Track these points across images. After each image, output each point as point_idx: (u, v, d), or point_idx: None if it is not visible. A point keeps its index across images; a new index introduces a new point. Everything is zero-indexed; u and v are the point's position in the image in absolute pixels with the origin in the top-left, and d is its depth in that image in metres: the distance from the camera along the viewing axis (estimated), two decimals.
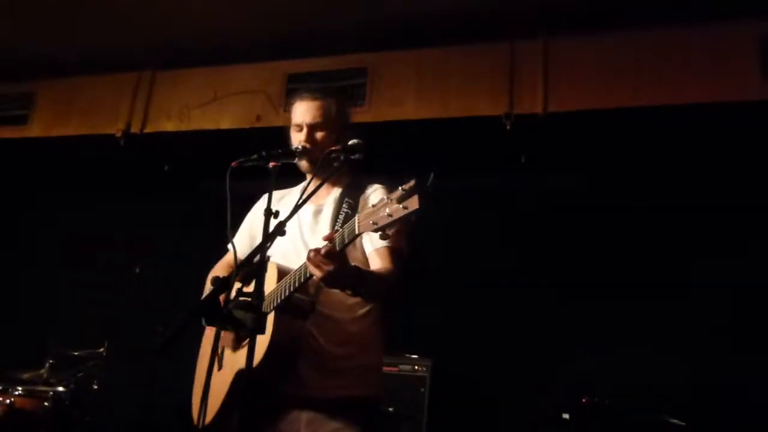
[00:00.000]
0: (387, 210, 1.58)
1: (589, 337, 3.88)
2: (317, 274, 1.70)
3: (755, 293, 3.70)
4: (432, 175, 1.55)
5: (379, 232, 1.63)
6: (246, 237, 2.35)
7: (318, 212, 2.16)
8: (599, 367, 3.71)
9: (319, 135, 2.17)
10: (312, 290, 1.95)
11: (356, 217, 1.68)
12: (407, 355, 3.97)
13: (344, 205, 2.09)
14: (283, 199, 2.31)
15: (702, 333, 3.72)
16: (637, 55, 3.82)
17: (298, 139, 2.19)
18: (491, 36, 4.08)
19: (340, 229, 1.74)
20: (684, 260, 3.92)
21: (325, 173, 2.04)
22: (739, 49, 3.65)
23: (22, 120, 5.13)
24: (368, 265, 2.04)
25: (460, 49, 4.17)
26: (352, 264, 1.84)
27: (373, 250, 2.04)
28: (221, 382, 2.05)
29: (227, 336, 2.10)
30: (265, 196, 2.31)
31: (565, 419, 3.43)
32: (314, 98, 2.22)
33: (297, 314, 1.90)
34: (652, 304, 3.87)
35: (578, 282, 4.07)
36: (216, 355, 2.06)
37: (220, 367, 2.12)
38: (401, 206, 1.55)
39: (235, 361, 2.05)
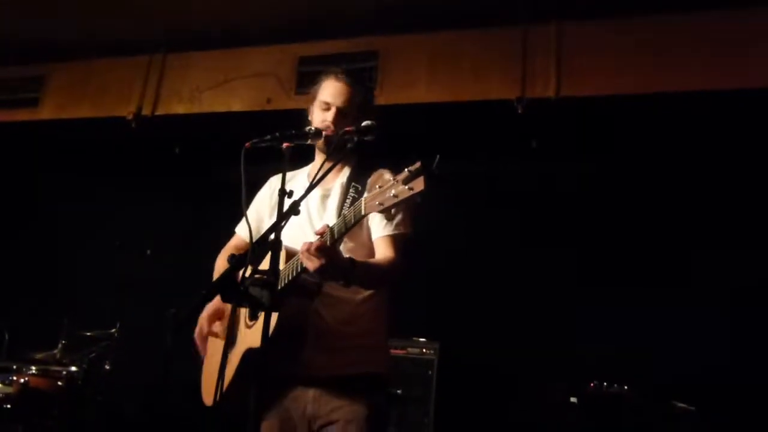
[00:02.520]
0: (393, 191, 1.60)
1: (598, 322, 3.88)
2: (309, 266, 1.74)
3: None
4: (437, 156, 1.56)
5: (385, 214, 1.66)
6: (253, 220, 2.34)
7: (326, 197, 2.16)
8: (607, 351, 3.72)
9: (344, 121, 2.15)
10: None
11: (363, 198, 1.70)
12: (415, 338, 3.99)
13: (351, 190, 2.09)
14: (292, 180, 2.30)
15: (707, 319, 3.72)
16: (652, 40, 3.79)
17: (321, 117, 2.18)
18: (504, 19, 4.05)
19: (333, 224, 1.78)
20: (694, 247, 3.91)
21: (339, 155, 2.03)
22: (757, 36, 3.61)
23: (33, 103, 5.15)
24: (373, 249, 2.07)
25: (473, 33, 4.15)
26: (346, 255, 1.88)
27: (377, 238, 2.06)
28: (230, 361, 2.06)
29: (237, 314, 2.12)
30: (272, 179, 2.32)
31: (573, 403, 3.44)
32: (348, 82, 2.21)
33: (303, 295, 1.93)
34: (661, 290, 3.87)
35: (587, 267, 4.08)
36: (230, 334, 2.08)
37: (229, 347, 2.13)
38: (407, 187, 1.57)
39: (243, 340, 2.06)
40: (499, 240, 4.31)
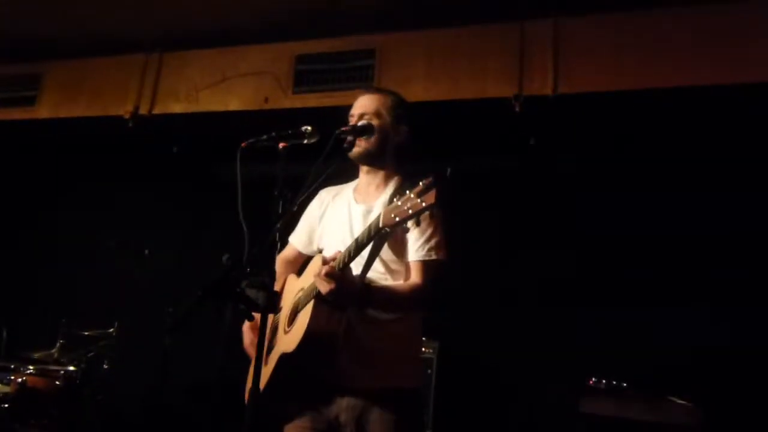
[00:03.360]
0: (408, 204, 1.66)
1: (598, 321, 3.88)
2: (321, 290, 1.80)
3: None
4: (449, 170, 1.62)
5: (402, 226, 1.72)
6: (304, 233, 2.39)
7: (368, 212, 2.15)
8: (606, 348, 3.72)
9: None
10: None
11: (381, 213, 1.75)
12: None
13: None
14: (338, 196, 2.32)
15: (707, 315, 3.71)
16: (650, 36, 3.78)
17: None
18: (501, 16, 4.04)
19: (343, 250, 1.85)
20: (692, 243, 3.90)
21: (337, 155, 2.04)
22: (755, 31, 3.60)
23: (29, 101, 5.13)
24: (406, 264, 2.08)
25: (470, 30, 4.14)
26: (360, 282, 1.90)
27: (410, 262, 2.07)
28: (267, 366, 2.10)
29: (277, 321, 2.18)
30: (322, 192, 2.33)
31: (572, 400, 3.44)
32: (368, 91, 2.27)
33: (335, 305, 1.95)
34: (661, 286, 3.87)
35: (586, 264, 4.07)
36: (271, 339, 2.14)
37: (269, 351, 2.16)
38: (419, 201, 1.63)
39: (279, 345, 2.10)
40: (496, 238, 4.30)
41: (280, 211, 1.75)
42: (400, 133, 2.20)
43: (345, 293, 1.81)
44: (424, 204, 1.62)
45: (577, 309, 3.96)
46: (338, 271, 1.80)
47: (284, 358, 1.97)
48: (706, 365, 3.56)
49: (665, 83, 3.71)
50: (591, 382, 3.42)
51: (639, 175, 4.13)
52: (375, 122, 2.14)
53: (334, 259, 1.83)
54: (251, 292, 1.54)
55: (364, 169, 2.23)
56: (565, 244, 4.16)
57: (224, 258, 1.63)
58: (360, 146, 2.13)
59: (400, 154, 2.19)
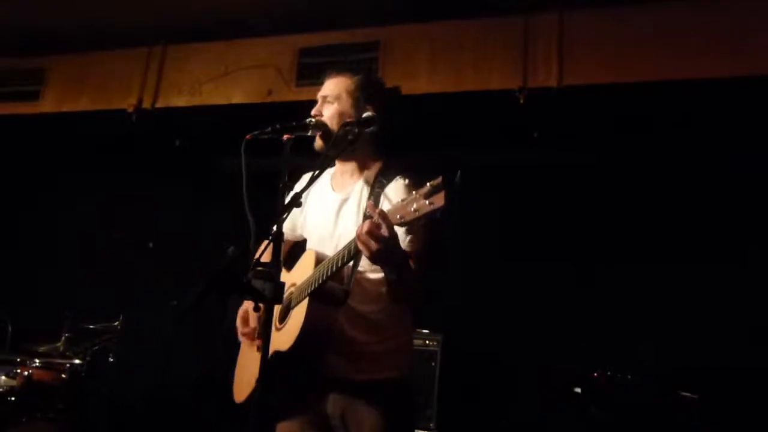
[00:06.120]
0: (414, 205, 1.61)
1: (602, 311, 3.88)
2: (370, 248, 1.69)
3: None
4: (459, 172, 1.60)
5: (406, 229, 1.68)
6: (289, 219, 2.34)
7: (344, 201, 2.14)
8: (611, 341, 3.71)
9: (330, 108, 2.15)
10: (345, 282, 1.99)
11: (388, 210, 1.70)
12: (418, 330, 3.98)
13: (371, 198, 2.06)
14: (318, 181, 2.28)
15: (712, 308, 3.71)
16: (654, 28, 3.76)
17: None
18: (505, 9, 4.02)
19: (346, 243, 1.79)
20: (695, 237, 3.89)
21: (339, 148, 2.02)
22: (759, 24, 3.58)
23: (33, 96, 5.14)
24: None
25: (474, 23, 4.12)
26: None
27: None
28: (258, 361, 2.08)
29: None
30: (304, 178, 2.26)
31: (577, 393, 3.45)
32: (338, 73, 2.22)
33: (330, 301, 1.94)
34: (664, 279, 3.86)
35: (589, 257, 4.07)
36: (257, 333, 2.14)
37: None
38: (427, 202, 1.58)
39: (272, 342, 2.08)
40: (500, 231, 4.29)
41: (285, 202, 1.74)
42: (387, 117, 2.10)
43: (390, 249, 1.72)
44: (432, 206, 1.57)
45: (583, 301, 3.96)
46: (383, 230, 1.68)
47: (277, 356, 1.96)
48: (712, 358, 3.56)
49: (670, 75, 3.69)
50: (596, 374, 3.43)
51: (639, 171, 4.13)
52: (334, 107, 2.12)
53: (380, 215, 1.68)
54: (258, 284, 1.54)
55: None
56: (569, 239, 4.16)
57: (229, 249, 1.63)
58: (319, 142, 2.13)
59: (369, 138, 2.07)
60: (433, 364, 3.89)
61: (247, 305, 2.21)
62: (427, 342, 3.95)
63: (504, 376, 4.09)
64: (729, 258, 3.78)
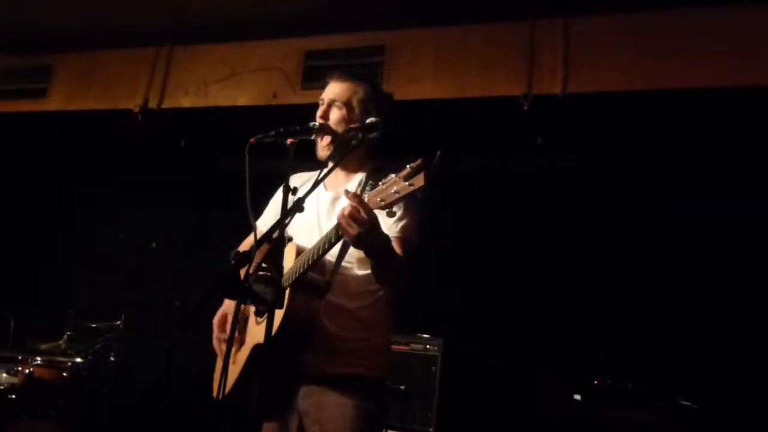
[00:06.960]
0: (394, 188, 1.63)
1: (602, 319, 3.88)
2: (351, 233, 1.71)
3: None
4: (438, 153, 1.59)
5: (387, 211, 1.68)
6: (272, 218, 2.35)
7: (336, 199, 2.16)
8: (611, 348, 3.71)
9: (335, 113, 2.16)
10: (328, 275, 1.99)
11: (365, 196, 1.71)
12: (418, 335, 3.99)
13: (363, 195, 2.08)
14: (307, 182, 2.28)
15: (714, 314, 3.70)
16: (661, 35, 3.76)
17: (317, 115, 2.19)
18: (511, 15, 4.02)
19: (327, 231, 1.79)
20: (698, 242, 3.89)
21: (342, 152, 2.03)
22: (765, 34, 3.58)
23: (40, 93, 5.15)
24: None
25: (480, 28, 4.12)
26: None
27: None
28: (240, 357, 2.09)
29: (247, 313, 2.14)
30: (292, 178, 2.29)
31: (577, 400, 3.44)
32: (343, 78, 2.22)
33: (312, 292, 1.94)
34: (666, 285, 3.86)
35: (591, 264, 4.07)
36: (236, 330, 2.10)
37: (241, 343, 2.15)
38: (407, 183, 1.60)
39: (252, 336, 2.08)
40: (502, 237, 4.29)
41: (288, 206, 1.75)
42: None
43: (373, 234, 1.74)
44: (412, 187, 1.59)
45: (583, 308, 3.96)
46: (362, 213, 1.70)
47: (257, 349, 1.96)
48: (714, 367, 3.55)
49: (675, 84, 3.69)
50: (596, 381, 3.42)
51: (643, 178, 4.13)
52: (342, 113, 2.13)
53: (357, 198, 1.71)
54: (259, 288, 1.54)
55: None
56: (571, 245, 4.16)
57: (232, 253, 1.63)
58: (323, 148, 2.14)
59: (370, 147, 2.13)
60: (433, 368, 3.89)
61: (226, 309, 2.20)
62: (428, 347, 3.96)
63: (504, 382, 4.09)
64: (735, 263, 3.77)
